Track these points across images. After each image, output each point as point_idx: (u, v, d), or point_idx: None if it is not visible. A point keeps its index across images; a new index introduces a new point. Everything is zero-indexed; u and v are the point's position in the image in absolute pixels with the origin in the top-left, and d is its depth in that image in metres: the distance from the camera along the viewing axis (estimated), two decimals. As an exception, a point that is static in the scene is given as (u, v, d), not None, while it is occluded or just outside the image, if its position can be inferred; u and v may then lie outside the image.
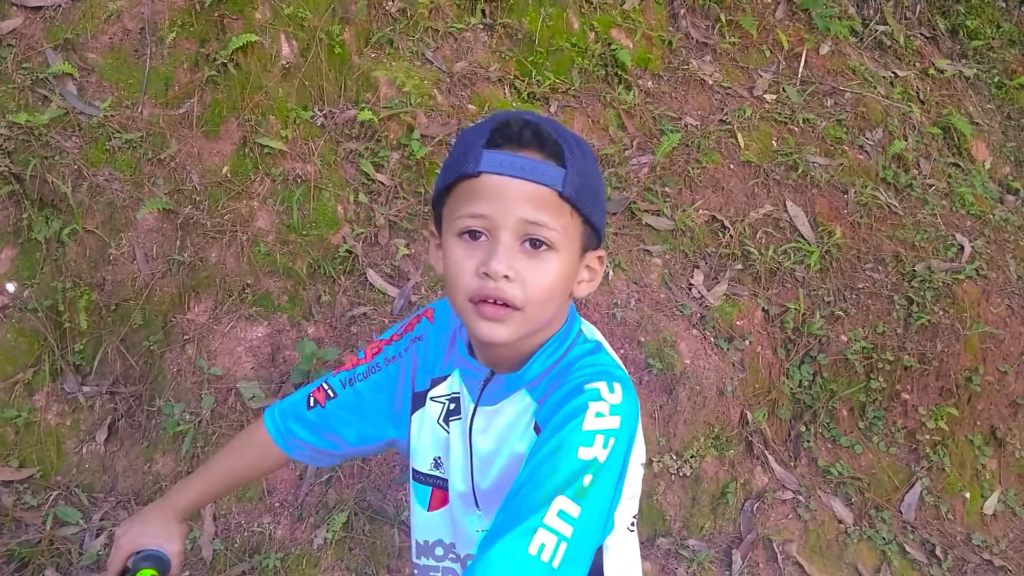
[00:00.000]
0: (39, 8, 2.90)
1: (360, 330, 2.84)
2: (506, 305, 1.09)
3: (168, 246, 2.77)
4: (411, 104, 3.16)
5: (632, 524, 1.29)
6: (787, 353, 3.29)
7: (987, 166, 4.35)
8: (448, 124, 3.20)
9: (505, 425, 1.21)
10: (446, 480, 1.32)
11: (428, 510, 1.35)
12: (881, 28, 4.49)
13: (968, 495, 3.41)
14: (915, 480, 3.33)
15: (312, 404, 1.38)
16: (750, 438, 3.14)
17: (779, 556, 2.96)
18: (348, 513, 2.61)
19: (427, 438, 1.32)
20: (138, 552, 1.34)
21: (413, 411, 1.34)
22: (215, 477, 1.46)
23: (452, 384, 1.30)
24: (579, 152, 1.12)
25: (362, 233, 2.96)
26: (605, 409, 1.09)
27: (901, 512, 3.26)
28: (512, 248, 1.09)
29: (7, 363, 2.68)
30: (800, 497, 3.12)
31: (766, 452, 3.17)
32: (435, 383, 1.32)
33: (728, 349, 3.16)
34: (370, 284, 2.91)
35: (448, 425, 1.29)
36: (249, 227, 2.83)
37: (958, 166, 4.17)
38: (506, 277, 1.08)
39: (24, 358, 2.69)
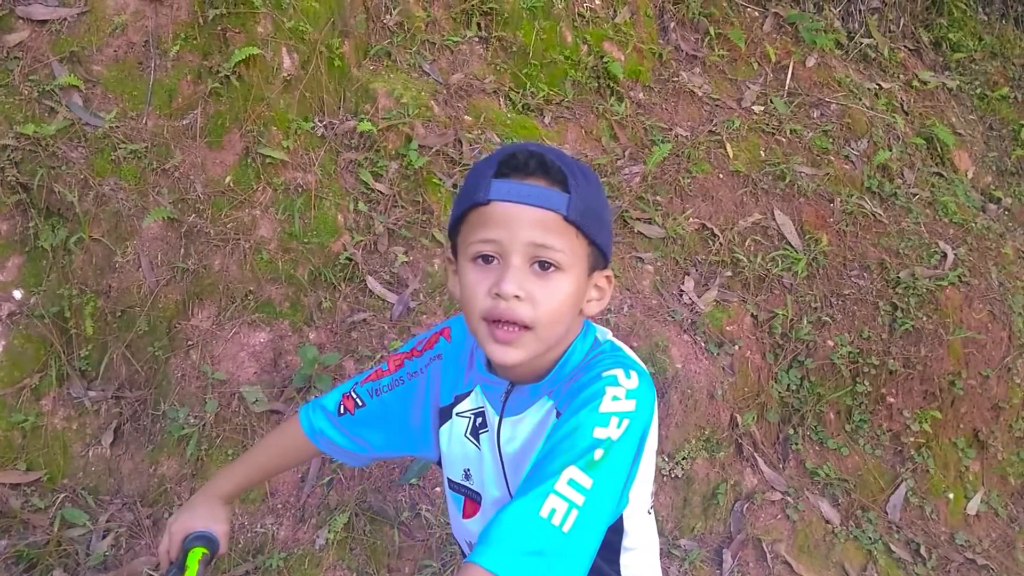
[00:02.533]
0: (45, 21, 2.95)
1: (360, 335, 2.91)
2: (517, 325, 1.15)
3: (172, 254, 2.83)
4: (409, 115, 3.24)
5: (650, 508, 1.36)
6: (775, 357, 3.38)
7: (969, 175, 4.45)
8: (445, 135, 3.28)
9: (531, 431, 1.27)
10: (475, 491, 1.39)
11: (464, 518, 1.43)
12: (866, 41, 4.59)
13: (951, 496, 3.49)
14: (900, 481, 3.41)
15: (342, 411, 1.47)
16: (740, 440, 3.23)
17: (768, 555, 3.04)
18: (349, 514, 2.67)
19: (457, 450, 1.39)
20: (188, 534, 1.46)
21: (440, 424, 1.41)
22: (255, 466, 1.58)
23: (475, 399, 1.36)
24: (583, 178, 1.18)
25: (362, 241, 3.03)
26: (621, 393, 1.15)
27: (887, 512, 3.34)
28: (522, 270, 1.15)
29: (14, 369, 2.73)
30: (788, 498, 3.20)
31: (755, 454, 3.25)
32: (459, 399, 1.38)
33: (718, 354, 3.24)
34: (370, 291, 2.98)
35: (478, 439, 1.36)
36: (251, 235, 2.89)
37: (941, 176, 4.27)
38: (517, 297, 1.14)
39: (31, 364, 2.75)
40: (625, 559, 1.34)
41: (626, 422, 1.13)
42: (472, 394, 1.36)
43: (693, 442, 3.09)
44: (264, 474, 1.68)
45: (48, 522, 2.58)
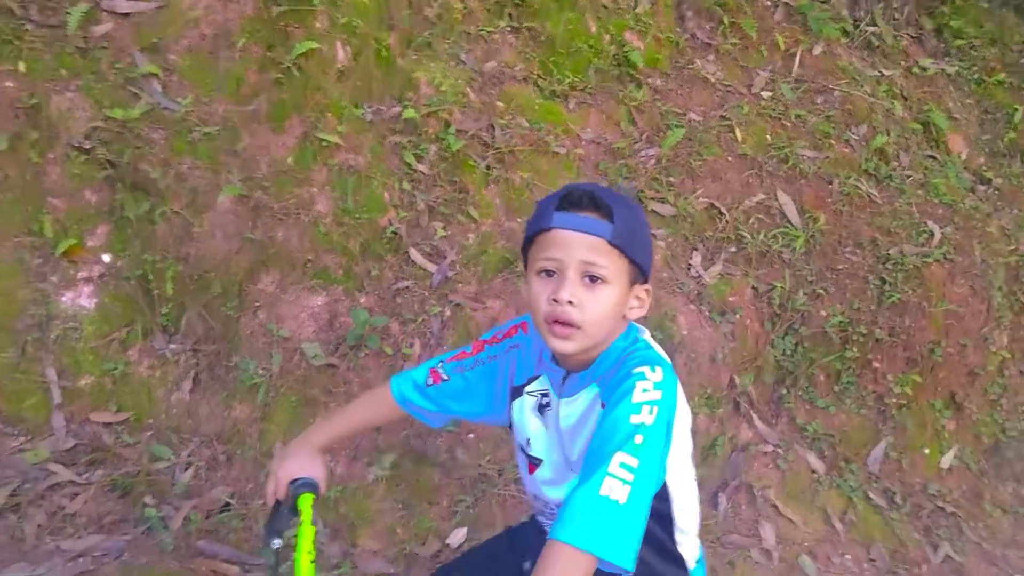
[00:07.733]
0: (128, 14, 3.28)
1: (404, 301, 3.30)
2: (571, 324, 1.47)
3: (242, 226, 3.20)
4: (447, 102, 3.59)
5: (695, 477, 1.70)
6: (773, 326, 3.74)
7: (963, 157, 4.72)
8: (479, 120, 3.63)
9: (583, 410, 1.58)
10: (535, 457, 1.74)
11: (529, 473, 1.78)
12: (871, 29, 4.86)
13: (928, 451, 3.86)
14: (881, 438, 3.78)
15: (430, 384, 1.81)
16: (737, 399, 3.61)
17: (759, 499, 3.43)
18: (395, 455, 3.09)
19: (525, 422, 1.73)
20: (294, 481, 1.71)
21: (513, 399, 1.75)
22: (346, 423, 1.91)
23: (541, 383, 1.69)
24: (626, 211, 1.51)
25: (406, 216, 3.40)
26: (649, 386, 1.44)
27: (867, 464, 3.72)
28: (575, 282, 1.47)
29: (105, 323, 3.11)
30: (779, 450, 3.59)
31: (751, 411, 3.63)
32: (529, 381, 1.72)
33: (721, 322, 3.61)
34: (412, 261, 3.36)
35: (542, 415, 1.69)
36: (310, 210, 3.27)
37: (934, 158, 4.57)
38: (570, 303, 1.46)
39: (119, 320, 3.12)
40: (678, 519, 1.65)
41: (656, 408, 1.40)
42: (539, 378, 1.70)
43: (696, 400, 3.48)
44: (353, 431, 2.01)
45: (137, 456, 2.96)
